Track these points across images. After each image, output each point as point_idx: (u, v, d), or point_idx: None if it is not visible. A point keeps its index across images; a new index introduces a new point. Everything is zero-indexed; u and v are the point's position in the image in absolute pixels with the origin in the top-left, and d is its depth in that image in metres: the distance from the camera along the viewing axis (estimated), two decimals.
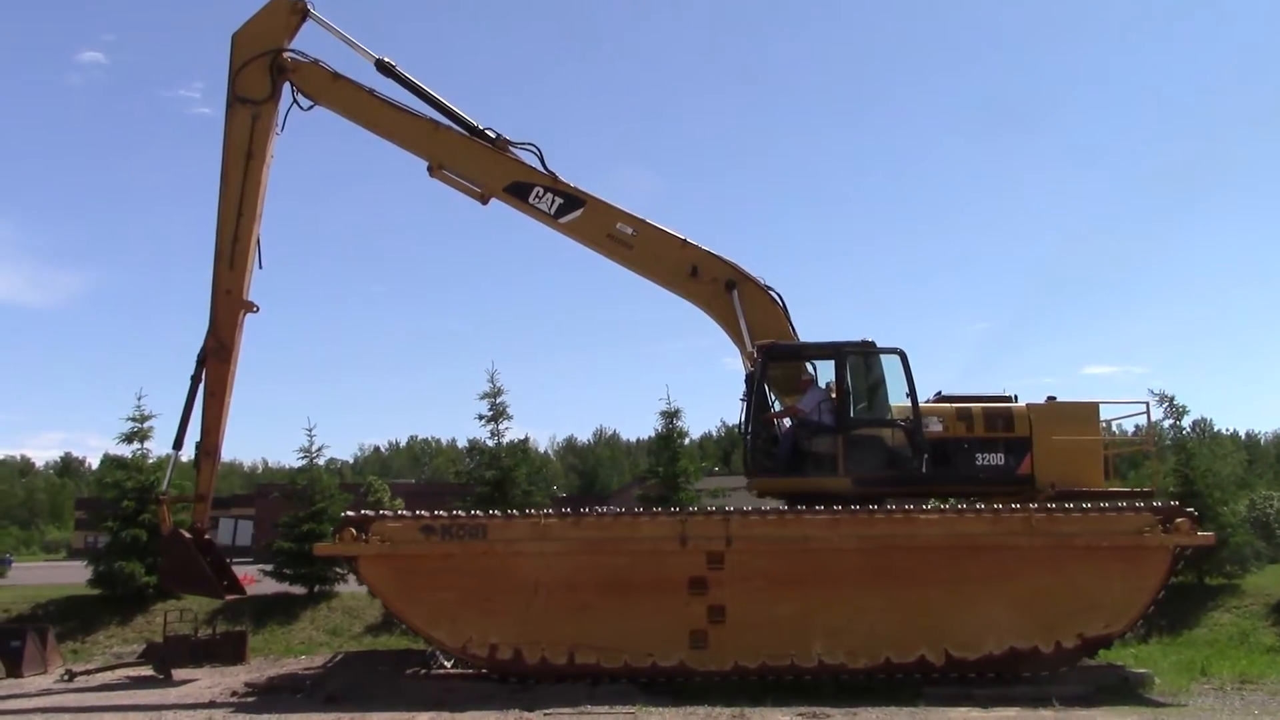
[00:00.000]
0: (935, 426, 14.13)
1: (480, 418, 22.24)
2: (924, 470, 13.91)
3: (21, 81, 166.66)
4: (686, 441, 24.02)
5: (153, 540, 18.30)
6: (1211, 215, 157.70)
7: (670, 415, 23.45)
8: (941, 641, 12.83)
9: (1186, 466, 21.10)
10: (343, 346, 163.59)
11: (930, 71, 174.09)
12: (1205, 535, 13.45)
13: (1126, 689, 12.84)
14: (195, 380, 14.90)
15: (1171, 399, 23.57)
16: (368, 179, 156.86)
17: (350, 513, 13.58)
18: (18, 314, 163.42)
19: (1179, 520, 13.00)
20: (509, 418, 22.38)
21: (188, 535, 14.63)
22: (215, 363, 14.88)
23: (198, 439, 15.04)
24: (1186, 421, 25.91)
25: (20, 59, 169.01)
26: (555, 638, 12.85)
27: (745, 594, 12.90)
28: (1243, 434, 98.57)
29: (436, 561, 12.98)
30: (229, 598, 15.24)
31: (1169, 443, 27.66)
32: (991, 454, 14.09)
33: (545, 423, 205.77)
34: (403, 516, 13.38)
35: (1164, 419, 25.59)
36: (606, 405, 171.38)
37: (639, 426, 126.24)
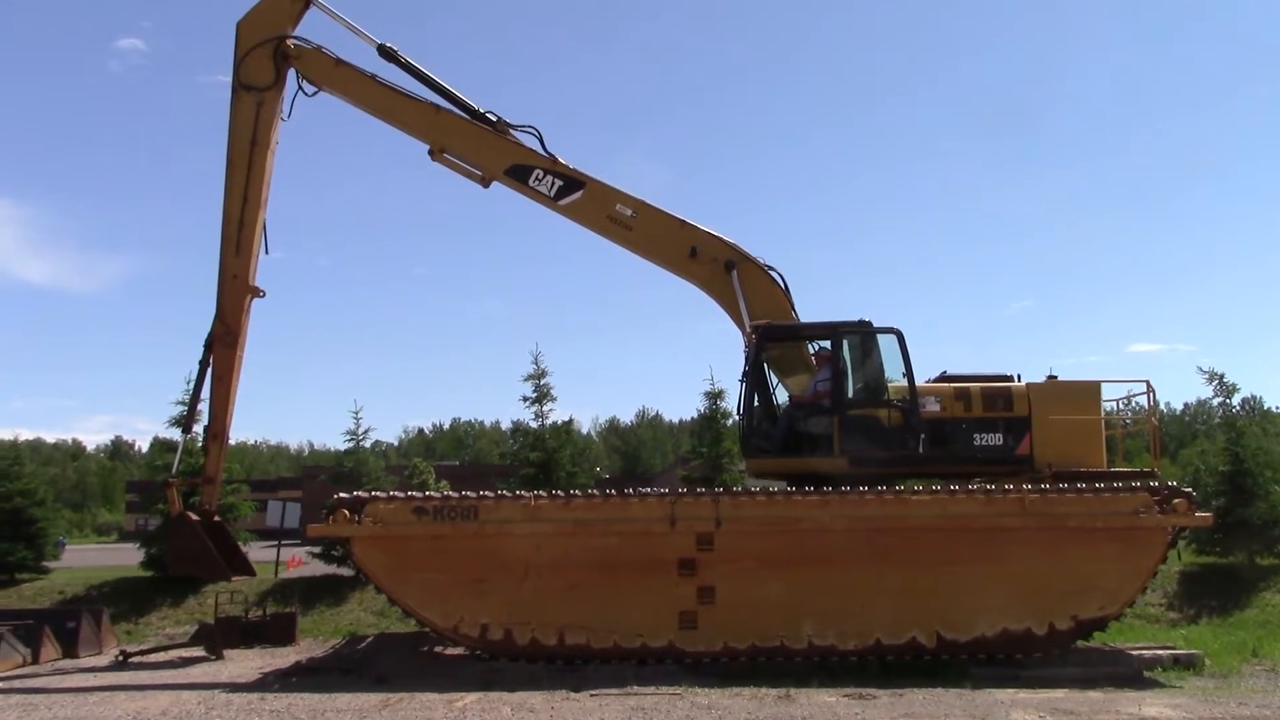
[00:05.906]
0: (933, 406, 13.94)
1: (524, 399, 22.44)
2: (920, 450, 13.75)
3: (62, 69, 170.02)
4: (730, 422, 23.76)
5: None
6: (1259, 189, 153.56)
7: (714, 396, 23.49)
8: (933, 623, 12.73)
9: (1237, 445, 20.66)
10: (388, 330, 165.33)
11: (942, 60, 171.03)
12: (1203, 516, 13.20)
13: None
14: (203, 365, 15.16)
15: (1221, 376, 23.01)
16: (408, 162, 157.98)
17: (343, 494, 13.76)
18: (65, 299, 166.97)
19: (1176, 501, 12.76)
20: (553, 399, 22.53)
21: (195, 518, 14.93)
22: (222, 348, 15.10)
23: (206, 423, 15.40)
24: (1236, 399, 25.18)
25: (60, 46, 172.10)
26: (545, 618, 12.92)
27: (735, 575, 12.87)
28: None
29: (428, 542, 13.08)
30: (235, 578, 15.52)
31: (1218, 421, 26.97)
32: (990, 434, 13.89)
33: (588, 404, 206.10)
34: (395, 498, 13.53)
35: (1214, 397, 25.29)
36: (649, 386, 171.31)
37: (682, 407, 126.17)
